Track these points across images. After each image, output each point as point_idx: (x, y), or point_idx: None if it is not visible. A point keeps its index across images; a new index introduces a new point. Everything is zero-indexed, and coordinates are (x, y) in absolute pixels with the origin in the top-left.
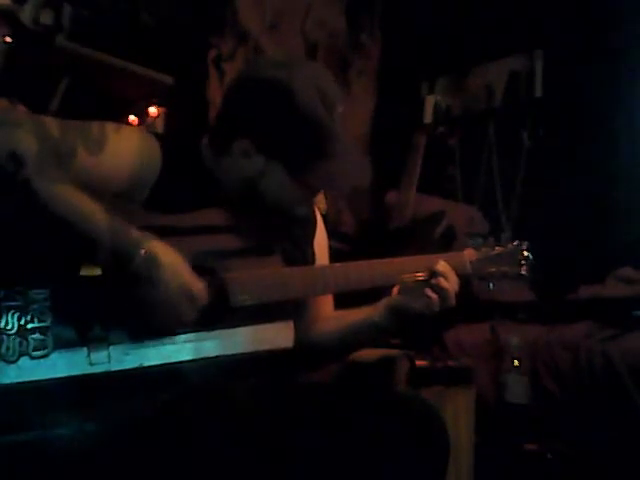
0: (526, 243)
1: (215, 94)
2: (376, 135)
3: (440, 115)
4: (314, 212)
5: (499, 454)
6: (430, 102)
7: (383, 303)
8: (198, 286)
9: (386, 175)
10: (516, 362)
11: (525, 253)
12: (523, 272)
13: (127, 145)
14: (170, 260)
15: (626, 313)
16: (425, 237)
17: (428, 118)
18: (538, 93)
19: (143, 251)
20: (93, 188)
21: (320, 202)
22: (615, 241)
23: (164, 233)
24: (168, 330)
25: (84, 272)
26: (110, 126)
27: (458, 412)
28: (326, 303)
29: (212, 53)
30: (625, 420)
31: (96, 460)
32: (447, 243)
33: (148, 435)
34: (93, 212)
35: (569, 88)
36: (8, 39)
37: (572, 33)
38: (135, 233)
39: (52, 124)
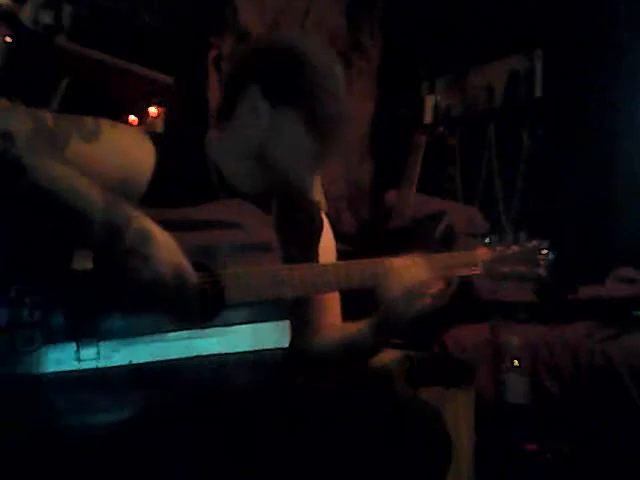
0: (546, 242)
1: (215, 94)
2: (376, 135)
3: (440, 115)
4: (321, 215)
5: (499, 454)
6: (430, 102)
7: (367, 322)
8: (189, 267)
9: (386, 175)
10: (516, 362)
11: (544, 252)
12: (542, 273)
13: (119, 139)
14: (163, 238)
15: (626, 313)
16: (425, 237)
17: (428, 118)
18: (538, 93)
19: (136, 224)
20: None
21: (320, 202)
22: (615, 241)
23: (163, 227)
24: (159, 312)
25: (76, 265)
26: (104, 121)
27: (458, 412)
28: (331, 311)
29: (212, 53)
30: (625, 420)
31: (84, 457)
32: (447, 243)
33: (137, 433)
34: (84, 185)
35: (569, 88)
36: (8, 39)
37: (572, 33)
38: (128, 208)
39: (45, 114)
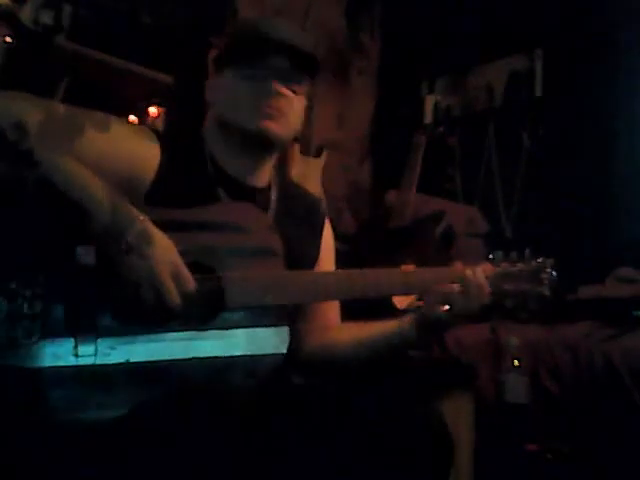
0: (550, 261)
1: None
2: (376, 135)
3: (440, 115)
4: (321, 210)
5: (499, 454)
6: (430, 102)
7: (411, 316)
8: (187, 271)
9: (386, 175)
10: (516, 362)
11: (549, 271)
12: (545, 292)
13: (127, 136)
14: (163, 241)
15: (626, 313)
16: (425, 237)
17: (428, 118)
18: (538, 93)
19: (138, 226)
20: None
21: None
22: (615, 241)
23: (166, 227)
24: (154, 313)
25: (78, 260)
26: (113, 117)
27: (458, 412)
28: (332, 311)
29: (212, 53)
30: (625, 420)
31: (78, 452)
32: (447, 243)
33: (132, 433)
34: (94, 184)
35: (569, 88)
36: (8, 39)
37: (572, 33)
38: (133, 210)
39: (58, 105)
